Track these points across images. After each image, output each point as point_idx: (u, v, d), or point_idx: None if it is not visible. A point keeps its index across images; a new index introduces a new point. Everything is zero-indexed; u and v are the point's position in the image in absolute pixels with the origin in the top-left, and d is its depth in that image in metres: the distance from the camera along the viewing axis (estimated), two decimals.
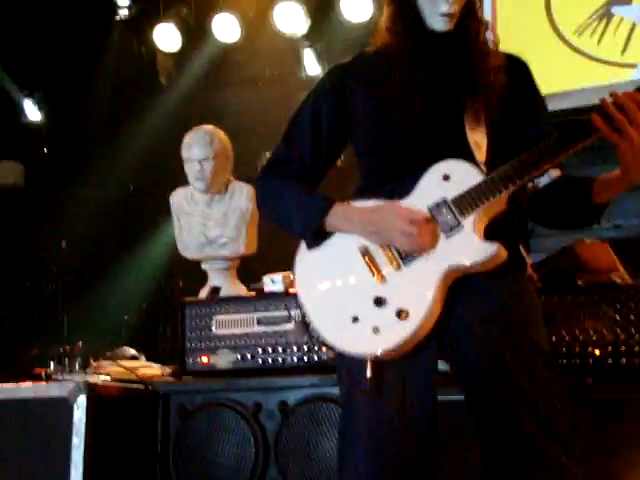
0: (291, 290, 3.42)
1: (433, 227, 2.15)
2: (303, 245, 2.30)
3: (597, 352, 2.85)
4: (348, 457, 2.19)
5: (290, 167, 2.35)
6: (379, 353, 2.13)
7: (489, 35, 2.30)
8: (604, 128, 2.03)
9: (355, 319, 2.17)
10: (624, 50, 5.45)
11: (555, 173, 2.23)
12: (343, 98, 2.32)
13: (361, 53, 2.38)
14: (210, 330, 3.55)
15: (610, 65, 5.43)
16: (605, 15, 5.53)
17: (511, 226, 2.24)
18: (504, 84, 2.24)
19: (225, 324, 3.54)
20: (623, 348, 2.83)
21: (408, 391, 2.15)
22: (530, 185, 2.25)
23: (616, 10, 5.53)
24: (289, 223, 2.32)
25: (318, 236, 2.26)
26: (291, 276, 3.57)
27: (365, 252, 2.21)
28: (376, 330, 2.14)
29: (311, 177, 2.37)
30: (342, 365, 2.26)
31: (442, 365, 2.24)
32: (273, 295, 3.50)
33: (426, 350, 2.15)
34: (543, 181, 2.25)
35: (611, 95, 2.03)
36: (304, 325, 3.08)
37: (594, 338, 2.87)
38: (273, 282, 3.56)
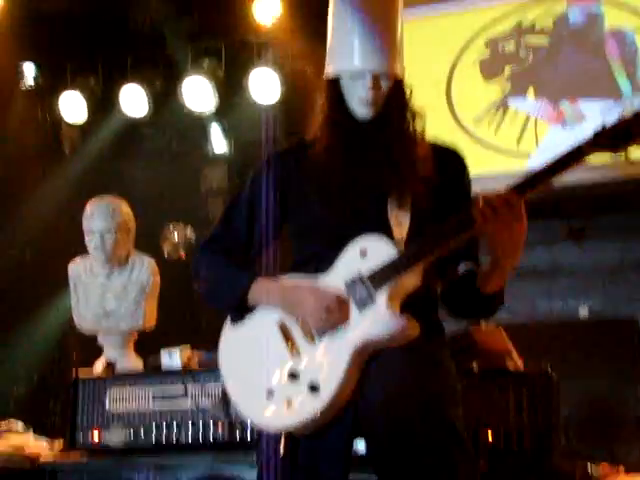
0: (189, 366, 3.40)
1: (346, 305, 2.17)
2: (228, 320, 2.33)
3: (490, 437, 2.90)
4: None
5: (224, 244, 2.40)
6: (290, 428, 2.13)
7: (419, 125, 2.32)
8: (480, 221, 2.09)
9: (270, 393, 2.17)
10: (519, 140, 5.68)
11: (466, 266, 2.27)
12: (280, 183, 2.36)
13: (300, 140, 2.41)
14: (103, 406, 3.47)
15: (506, 154, 5.65)
16: (502, 106, 5.77)
17: (428, 300, 2.28)
18: (431, 173, 2.27)
19: (119, 400, 3.46)
20: (515, 434, 2.89)
21: (317, 471, 2.13)
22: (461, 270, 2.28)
23: (512, 102, 5.78)
24: (217, 298, 2.37)
25: (242, 310, 2.29)
26: (188, 350, 3.56)
27: (283, 326, 2.23)
28: (289, 404, 2.14)
29: (246, 256, 2.40)
30: (259, 444, 2.23)
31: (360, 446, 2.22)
32: (170, 371, 3.45)
33: (338, 428, 2.13)
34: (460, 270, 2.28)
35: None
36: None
37: (487, 422, 2.92)
38: (170, 356, 3.51)
